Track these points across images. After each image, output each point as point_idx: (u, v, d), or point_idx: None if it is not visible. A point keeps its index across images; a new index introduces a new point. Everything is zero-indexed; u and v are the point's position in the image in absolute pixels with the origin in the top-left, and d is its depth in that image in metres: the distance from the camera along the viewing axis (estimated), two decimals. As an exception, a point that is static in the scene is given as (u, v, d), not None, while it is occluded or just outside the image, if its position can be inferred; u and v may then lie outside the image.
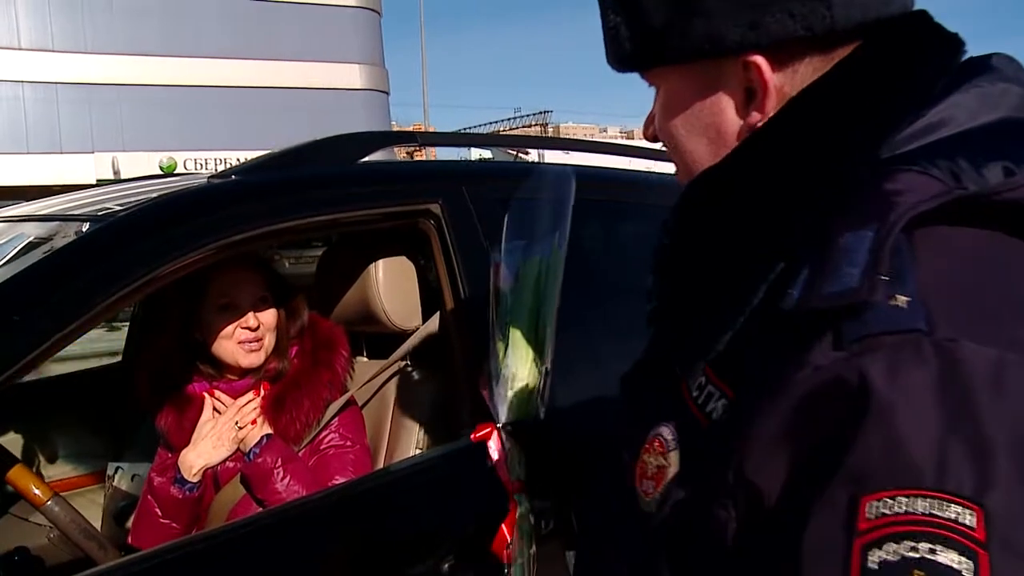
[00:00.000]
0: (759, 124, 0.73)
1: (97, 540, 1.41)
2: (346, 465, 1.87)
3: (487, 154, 21.09)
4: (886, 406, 0.56)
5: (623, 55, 0.80)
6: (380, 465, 1.94)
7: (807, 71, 0.72)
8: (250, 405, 1.88)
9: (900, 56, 0.70)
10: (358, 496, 1.63)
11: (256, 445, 1.82)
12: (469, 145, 2.31)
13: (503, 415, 1.23)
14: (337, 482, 1.82)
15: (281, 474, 1.78)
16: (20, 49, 19.85)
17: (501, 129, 37.32)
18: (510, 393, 1.23)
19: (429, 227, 1.89)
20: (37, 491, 1.40)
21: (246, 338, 1.87)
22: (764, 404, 0.62)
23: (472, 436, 1.23)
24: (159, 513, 1.83)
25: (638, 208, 2.54)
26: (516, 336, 1.24)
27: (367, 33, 23.71)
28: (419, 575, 1.59)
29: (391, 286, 1.99)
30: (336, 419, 1.92)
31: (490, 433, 1.22)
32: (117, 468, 2.62)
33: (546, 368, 1.23)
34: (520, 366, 1.23)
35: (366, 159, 1.98)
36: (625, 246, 2.39)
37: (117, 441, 2.68)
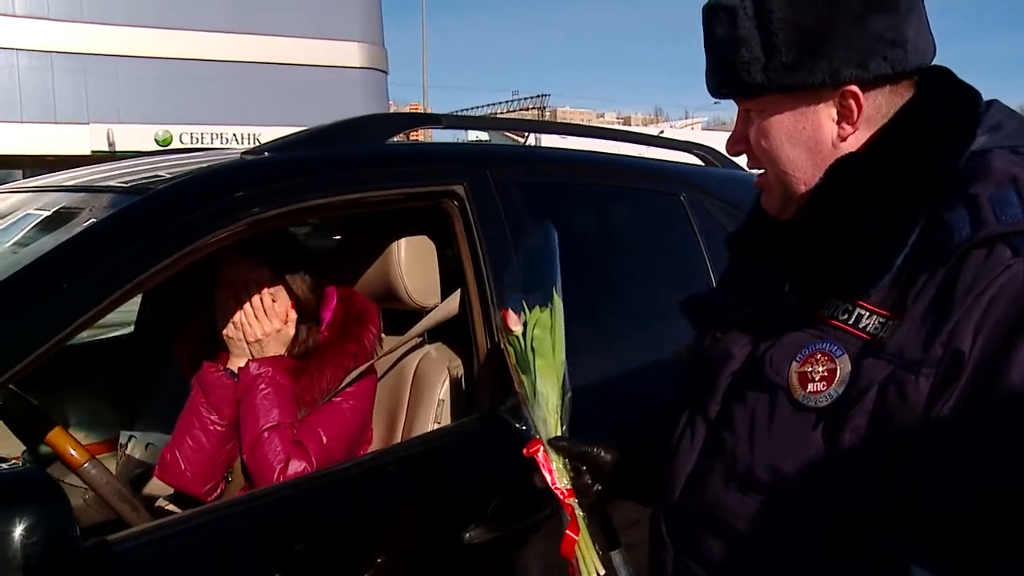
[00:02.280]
0: (848, 136, 1.03)
1: (131, 503, 1.45)
2: (333, 417, 1.92)
3: (484, 136, 21.08)
4: None
5: (747, 83, 1.04)
6: (398, 438, 1.98)
7: (883, 97, 1.02)
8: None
9: (965, 90, 1.05)
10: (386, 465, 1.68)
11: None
12: (491, 129, 2.34)
13: (544, 432, 1.34)
14: (319, 434, 1.89)
15: (264, 387, 1.87)
16: (15, 16, 19.66)
17: (499, 111, 37.18)
18: (545, 413, 1.35)
19: (453, 208, 1.93)
20: (75, 453, 1.44)
21: (233, 335, 1.94)
22: (962, 300, 0.89)
23: (524, 451, 1.35)
24: (203, 402, 1.93)
25: (649, 193, 2.59)
26: (542, 366, 1.37)
27: (367, 12, 23.56)
28: (442, 543, 1.65)
29: (412, 264, 2.03)
30: (355, 387, 1.97)
31: (538, 449, 1.33)
32: (130, 437, 2.66)
33: (568, 394, 1.38)
34: (550, 391, 1.36)
35: (392, 140, 2.02)
36: (621, 231, 2.44)
37: (130, 410, 2.71)
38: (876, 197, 0.99)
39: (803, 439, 0.99)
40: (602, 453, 1.33)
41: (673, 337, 2.43)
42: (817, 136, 1.04)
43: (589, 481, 1.33)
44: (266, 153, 1.78)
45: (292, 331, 1.97)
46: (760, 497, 1.03)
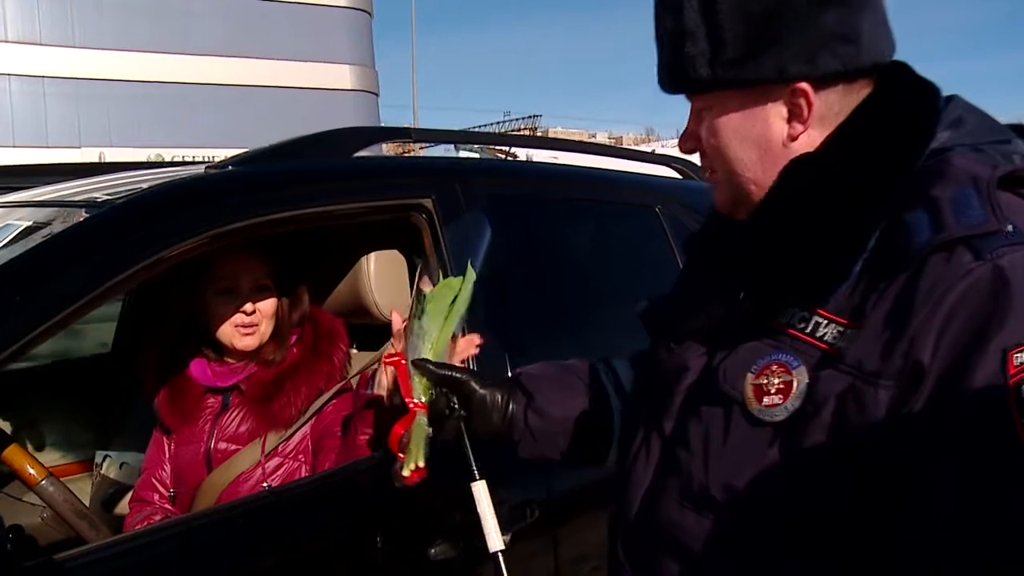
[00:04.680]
0: (799, 135, 0.99)
1: (89, 520, 1.43)
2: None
3: (475, 155, 21.17)
4: (1021, 286, 0.83)
5: (694, 79, 1.01)
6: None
7: (836, 95, 0.98)
8: None
9: (924, 86, 1.01)
10: (345, 481, 1.66)
11: None
12: (462, 142, 2.34)
13: (411, 354, 1.34)
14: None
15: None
16: (7, 42, 19.73)
17: (490, 131, 37.20)
18: (420, 343, 1.35)
19: (421, 222, 1.93)
20: (32, 471, 1.42)
21: (241, 322, 1.91)
22: (922, 307, 0.86)
23: (383, 359, 1.37)
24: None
25: (624, 206, 2.59)
26: (433, 310, 1.39)
27: (358, 34, 23.69)
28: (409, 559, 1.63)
29: (382, 279, 2.03)
30: (331, 409, 1.95)
31: (398, 360, 1.33)
32: (105, 456, 2.64)
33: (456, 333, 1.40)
34: (434, 329, 1.37)
35: (360, 153, 2.01)
36: (596, 245, 2.44)
37: (105, 430, 2.69)
38: (833, 200, 0.96)
39: (758, 455, 0.95)
40: (471, 382, 1.31)
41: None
42: (767, 135, 1.00)
43: (455, 405, 1.31)
44: (230, 167, 1.77)
45: (272, 327, 1.96)
46: (715, 517, 0.99)
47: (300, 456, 1.89)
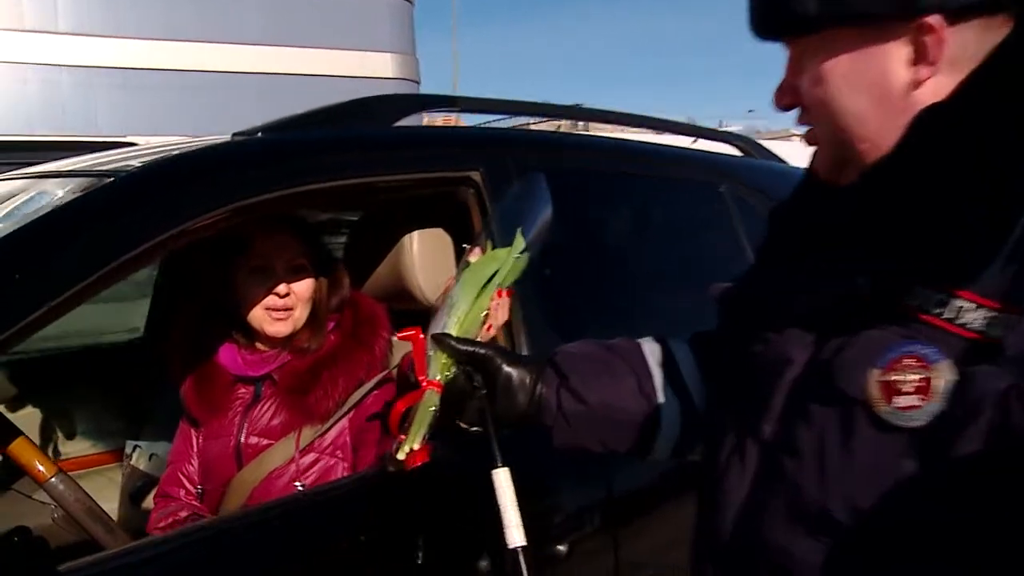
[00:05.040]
0: (925, 82, 0.82)
1: (104, 522, 1.29)
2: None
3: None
4: None
5: (798, 16, 0.85)
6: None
7: (971, 33, 0.81)
8: None
9: None
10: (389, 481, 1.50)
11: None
12: (514, 113, 2.19)
13: (434, 327, 1.24)
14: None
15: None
16: (58, 33, 19.93)
17: (530, 123, 37.07)
18: (447, 317, 1.25)
19: (469, 197, 1.76)
20: (41, 467, 1.28)
21: (274, 304, 1.75)
22: None
23: (397, 335, 1.27)
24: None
25: (687, 184, 2.41)
26: (468, 280, 1.29)
27: (399, 22, 23.49)
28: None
29: (426, 259, 1.86)
30: (372, 402, 1.79)
31: (416, 335, 1.21)
32: (135, 447, 2.53)
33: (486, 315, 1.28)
34: (463, 302, 1.27)
35: (401, 123, 1.85)
36: (655, 225, 2.25)
37: (136, 418, 2.57)
38: (980, 158, 0.79)
39: (890, 467, 0.78)
40: (496, 359, 1.18)
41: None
42: (884, 81, 0.84)
43: (478, 384, 1.18)
44: (259, 134, 1.62)
45: (307, 312, 1.80)
46: (834, 540, 0.82)
47: (338, 452, 1.73)
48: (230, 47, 20.64)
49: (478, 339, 1.24)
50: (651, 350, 1.25)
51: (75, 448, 2.69)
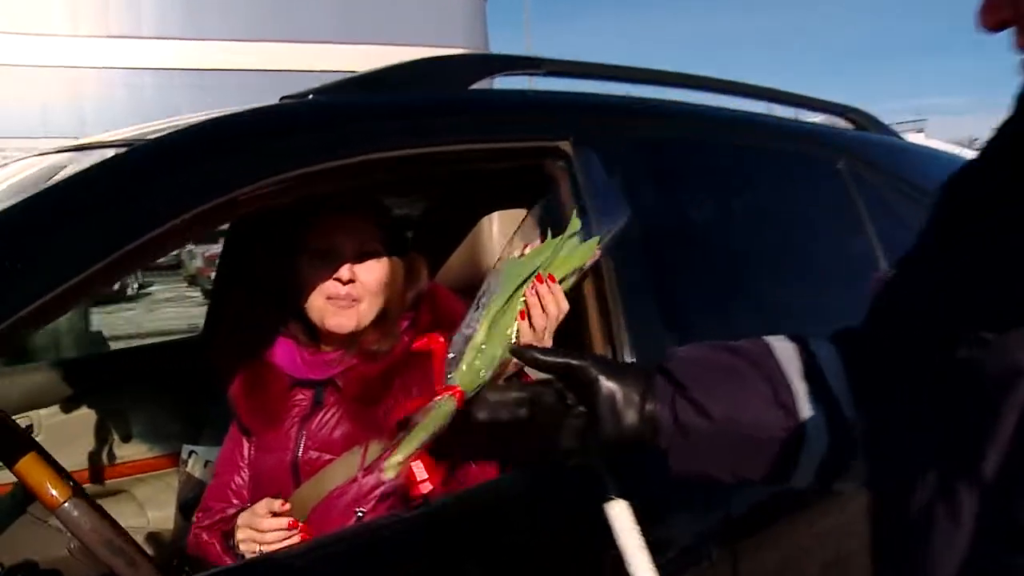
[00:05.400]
0: None
1: (126, 555, 1.08)
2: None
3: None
4: None
5: None
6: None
7: None
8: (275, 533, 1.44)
9: None
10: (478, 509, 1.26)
11: None
12: (607, 78, 1.96)
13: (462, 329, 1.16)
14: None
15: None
16: (143, 38, 20.34)
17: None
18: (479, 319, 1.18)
19: (557, 170, 1.50)
20: (53, 490, 1.07)
21: (336, 292, 1.49)
22: None
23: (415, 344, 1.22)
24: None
25: (801, 160, 2.11)
26: (511, 273, 1.24)
27: (472, 17, 23.47)
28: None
29: (508, 244, 1.61)
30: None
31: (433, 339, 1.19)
32: (191, 452, 2.35)
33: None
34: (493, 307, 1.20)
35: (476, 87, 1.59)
36: (765, 203, 1.96)
37: (195, 421, 2.39)
38: None
39: None
40: (592, 368, 0.97)
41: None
42: None
43: (571, 402, 0.98)
44: (310, 96, 1.39)
45: (376, 306, 1.54)
46: None
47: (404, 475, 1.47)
48: (305, 46, 20.85)
49: (513, 340, 1.15)
50: (785, 352, 0.98)
51: (131, 451, 2.52)
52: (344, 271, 1.49)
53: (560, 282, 1.31)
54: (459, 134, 1.39)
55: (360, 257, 1.51)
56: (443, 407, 1.07)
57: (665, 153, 1.69)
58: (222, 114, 1.25)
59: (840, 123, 2.65)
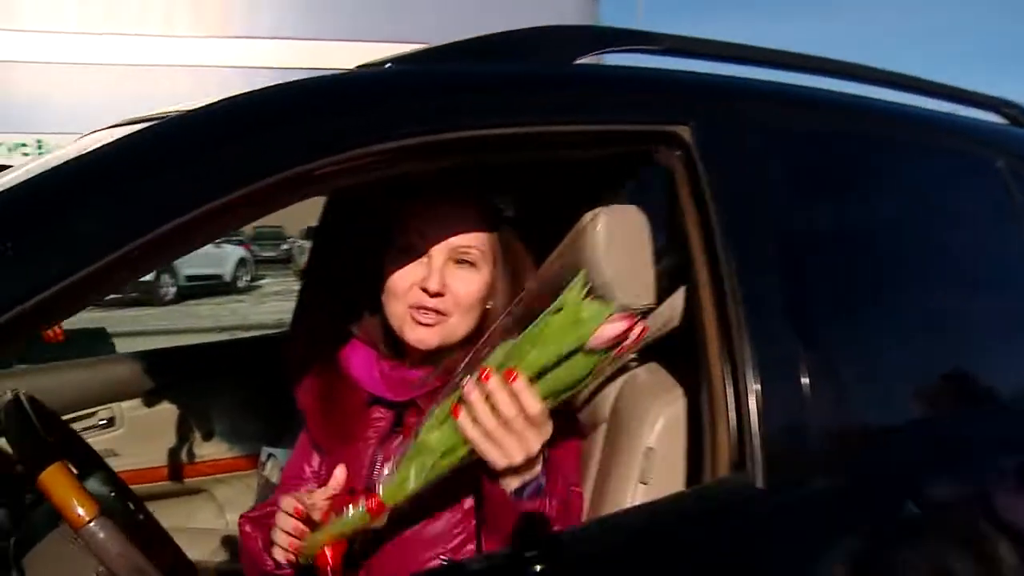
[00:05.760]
0: None
1: (155, 584, 0.93)
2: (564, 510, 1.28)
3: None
4: None
5: None
6: (585, 504, 1.35)
7: None
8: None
9: None
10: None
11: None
12: (734, 60, 1.73)
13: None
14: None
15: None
16: (258, 38, 20.90)
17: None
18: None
19: (674, 161, 1.29)
20: (80, 508, 0.93)
21: (420, 302, 1.27)
22: None
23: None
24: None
25: (956, 158, 1.83)
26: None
27: (583, 12, 23.27)
28: None
29: (615, 247, 1.40)
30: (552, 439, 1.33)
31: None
32: (270, 455, 2.24)
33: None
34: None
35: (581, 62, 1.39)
36: (914, 205, 1.69)
37: (276, 422, 2.27)
38: None
39: None
40: None
41: (994, 360, 1.70)
42: None
43: None
44: (388, 65, 1.21)
45: (471, 322, 1.32)
46: None
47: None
48: (401, 47, 21.09)
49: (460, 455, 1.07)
50: None
51: (211, 450, 2.43)
52: (433, 280, 1.26)
53: (547, 372, 1.04)
54: (559, 113, 1.20)
55: (454, 263, 1.29)
56: (353, 516, 1.05)
57: (805, 146, 1.46)
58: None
59: (993, 119, 2.34)
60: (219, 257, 17.72)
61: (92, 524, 0.95)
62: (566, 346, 1.01)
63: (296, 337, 1.46)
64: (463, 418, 1.04)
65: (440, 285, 1.26)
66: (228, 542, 2.26)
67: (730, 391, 1.16)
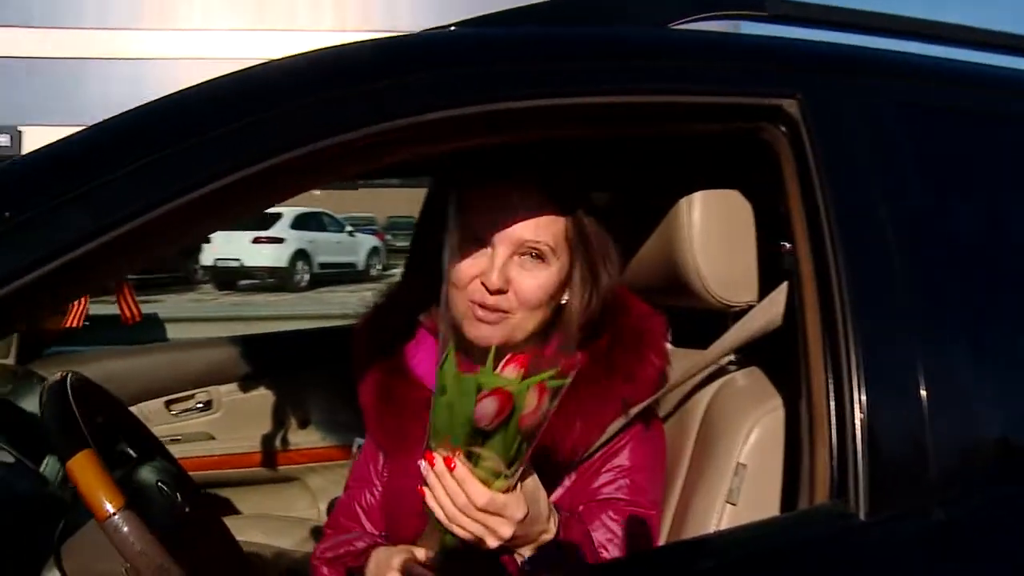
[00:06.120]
0: None
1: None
2: (629, 533, 1.14)
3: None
4: None
5: None
6: (667, 523, 1.20)
7: None
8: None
9: None
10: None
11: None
12: (847, 28, 1.52)
13: None
14: (604, 556, 1.12)
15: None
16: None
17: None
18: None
19: (778, 138, 1.13)
20: (105, 500, 0.87)
21: (480, 299, 1.16)
22: None
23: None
24: None
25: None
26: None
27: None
28: None
29: (713, 236, 1.26)
30: (627, 448, 1.20)
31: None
32: (360, 445, 2.18)
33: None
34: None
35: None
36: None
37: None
38: None
39: None
40: None
41: None
42: None
43: None
44: (452, 28, 1.11)
45: (539, 320, 1.20)
46: None
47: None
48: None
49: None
50: None
51: (306, 438, 2.41)
52: (493, 275, 1.14)
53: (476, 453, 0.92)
54: (650, 82, 1.06)
55: (519, 254, 1.16)
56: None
57: (933, 124, 1.26)
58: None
59: None
60: (352, 245, 18.24)
61: (116, 517, 0.89)
62: (466, 427, 0.90)
63: (361, 330, 1.37)
64: (429, 499, 0.95)
65: (502, 281, 1.14)
66: (319, 532, 2.23)
67: (832, 403, 0.99)
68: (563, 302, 1.20)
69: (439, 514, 0.95)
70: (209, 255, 15.24)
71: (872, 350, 1.00)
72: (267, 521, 2.25)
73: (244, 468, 2.34)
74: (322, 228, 17.23)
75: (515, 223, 1.15)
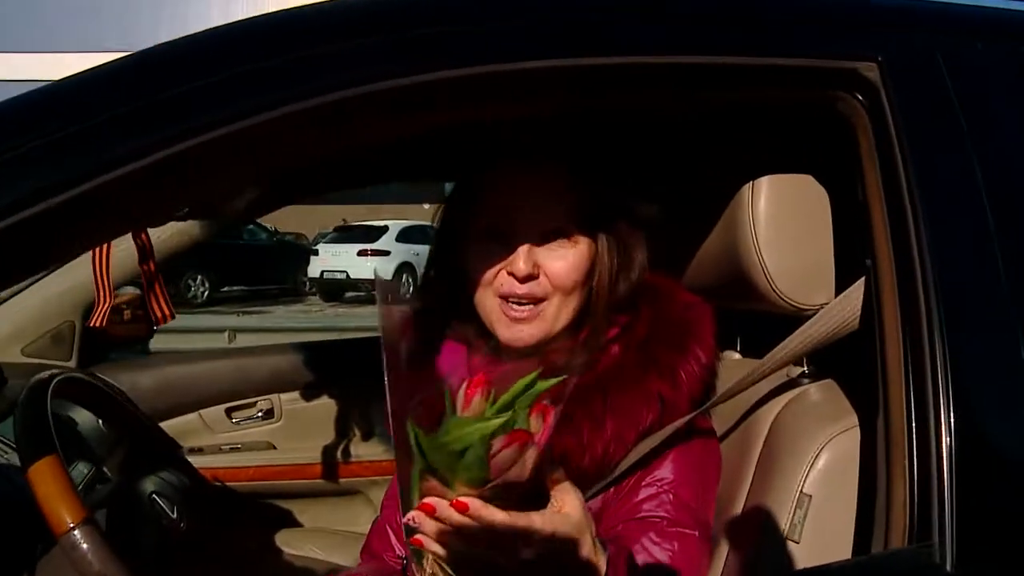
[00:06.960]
0: None
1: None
2: (667, 554, 1.00)
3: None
4: None
5: None
6: (721, 548, 1.03)
7: None
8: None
9: None
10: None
11: None
12: None
13: None
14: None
15: None
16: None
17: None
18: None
19: (855, 108, 0.96)
20: (65, 513, 0.77)
21: (511, 291, 1.06)
22: None
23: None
24: None
25: None
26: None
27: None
28: None
29: (780, 229, 1.09)
30: (669, 458, 1.05)
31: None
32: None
33: None
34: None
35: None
36: None
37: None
38: None
39: None
40: None
41: None
42: None
43: None
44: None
45: (572, 309, 1.09)
46: None
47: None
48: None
49: None
50: None
51: (368, 450, 2.32)
52: (520, 262, 1.05)
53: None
54: (700, 44, 0.90)
55: (545, 238, 1.07)
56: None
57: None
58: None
59: None
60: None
61: (76, 532, 0.79)
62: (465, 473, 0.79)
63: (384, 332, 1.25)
64: (430, 544, 0.81)
65: (531, 266, 1.05)
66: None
67: (914, 424, 0.81)
68: (593, 285, 1.10)
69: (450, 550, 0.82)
70: (316, 267, 15.62)
71: (963, 360, 0.81)
72: (325, 535, 2.16)
73: (304, 480, 2.27)
74: (427, 241, 17.38)
75: (533, 208, 1.07)
